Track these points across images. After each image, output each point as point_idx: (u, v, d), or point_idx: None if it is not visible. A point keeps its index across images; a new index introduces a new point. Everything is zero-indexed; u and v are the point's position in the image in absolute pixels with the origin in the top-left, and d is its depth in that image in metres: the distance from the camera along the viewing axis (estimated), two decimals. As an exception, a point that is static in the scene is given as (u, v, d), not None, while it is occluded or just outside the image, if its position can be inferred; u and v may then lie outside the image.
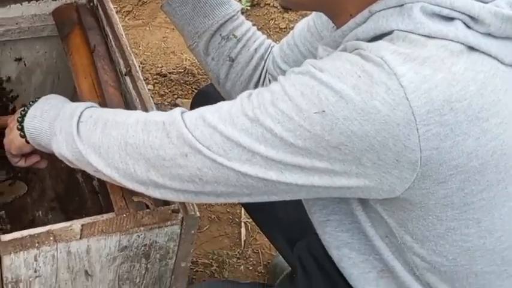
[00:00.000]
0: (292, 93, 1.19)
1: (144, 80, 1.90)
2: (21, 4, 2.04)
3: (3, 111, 2.27)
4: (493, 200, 1.25)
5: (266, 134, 1.21)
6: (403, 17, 1.18)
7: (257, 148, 1.22)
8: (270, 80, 1.72)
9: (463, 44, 1.17)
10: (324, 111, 1.15)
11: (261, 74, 1.73)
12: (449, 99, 1.14)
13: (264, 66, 1.73)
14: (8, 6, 2.02)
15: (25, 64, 2.23)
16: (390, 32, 1.20)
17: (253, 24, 1.76)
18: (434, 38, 1.17)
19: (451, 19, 1.18)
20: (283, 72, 1.67)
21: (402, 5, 1.20)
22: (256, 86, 1.74)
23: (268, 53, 1.73)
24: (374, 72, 1.14)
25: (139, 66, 1.91)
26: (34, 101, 1.61)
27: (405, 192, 1.21)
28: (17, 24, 2.06)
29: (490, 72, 1.18)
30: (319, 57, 1.35)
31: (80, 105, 1.53)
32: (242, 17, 1.73)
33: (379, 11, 1.22)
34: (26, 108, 1.60)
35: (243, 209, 2.41)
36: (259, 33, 1.75)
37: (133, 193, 1.59)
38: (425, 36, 1.17)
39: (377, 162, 1.17)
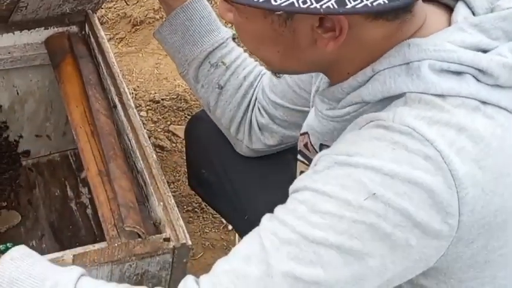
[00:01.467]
0: (331, 190, 1.12)
1: (137, 107, 1.90)
2: (14, 33, 2.04)
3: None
4: (509, 254, 1.23)
5: (320, 250, 1.12)
6: (412, 77, 1.15)
7: (315, 275, 1.13)
8: (259, 109, 1.71)
9: (476, 99, 1.15)
10: (374, 193, 1.09)
11: (249, 102, 1.72)
12: (476, 158, 1.11)
13: (253, 94, 1.72)
14: (1, 35, 2.03)
15: (18, 93, 2.23)
16: (401, 95, 1.16)
17: (245, 51, 1.76)
18: (448, 96, 1.14)
19: (460, 73, 1.15)
20: (271, 102, 1.67)
21: (408, 63, 1.16)
22: (245, 113, 1.73)
23: (258, 80, 1.72)
24: (406, 141, 1.11)
25: (132, 93, 1.92)
26: (3, 250, 1.44)
27: (437, 261, 1.18)
28: (9, 53, 2.07)
29: (505, 125, 1.16)
30: (318, 110, 1.31)
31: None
32: (232, 44, 1.73)
33: (383, 69, 1.18)
34: None
35: (237, 236, 2.39)
36: (250, 60, 1.75)
37: (125, 222, 1.59)
38: (438, 96, 1.14)
39: (421, 237, 1.12)
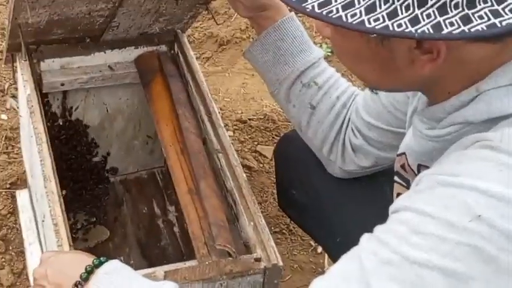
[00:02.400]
0: (434, 211, 1.08)
1: (224, 127, 1.90)
2: (105, 52, 2.08)
3: (84, 158, 2.30)
4: None
5: (422, 272, 1.08)
6: None
7: None
8: (352, 130, 1.70)
9: None
10: (479, 215, 1.06)
11: (343, 122, 1.71)
12: None
13: (346, 114, 1.71)
14: (92, 54, 2.06)
15: (107, 111, 2.26)
16: (507, 115, 1.13)
17: (337, 71, 1.75)
18: None
19: None
20: (365, 123, 1.65)
21: None
22: (338, 134, 1.72)
23: (351, 101, 1.71)
24: None
25: (219, 113, 1.92)
26: (97, 264, 1.42)
27: None
28: (100, 71, 2.10)
29: None
30: (417, 130, 1.30)
31: None
32: (324, 64, 1.73)
33: (489, 90, 1.15)
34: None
35: (326, 259, 2.37)
36: (343, 80, 1.74)
37: (216, 240, 1.59)
38: None
39: None
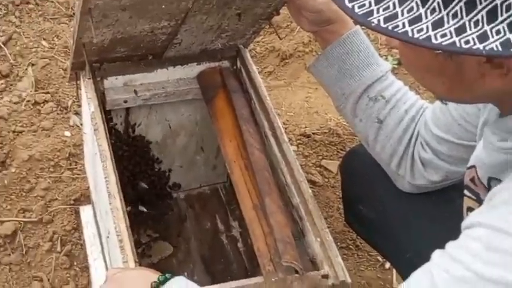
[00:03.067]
0: (509, 227, 1.08)
1: (288, 141, 1.89)
2: (167, 69, 2.09)
3: (147, 174, 2.31)
4: None
5: None
6: None
7: None
8: (422, 144, 1.67)
9: None
10: None
11: (411, 136, 1.69)
12: None
13: (415, 128, 1.68)
14: (155, 71, 2.08)
15: (170, 127, 2.27)
16: None
17: (405, 84, 1.73)
18: None
19: None
20: (435, 137, 1.62)
21: None
22: (407, 148, 1.69)
23: (420, 114, 1.68)
24: None
25: (282, 127, 1.92)
26: (162, 281, 1.43)
27: None
28: (163, 88, 2.11)
29: None
30: (488, 142, 1.28)
31: None
32: (392, 77, 1.71)
33: None
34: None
35: (395, 275, 2.34)
36: (411, 93, 1.71)
37: (282, 256, 1.58)
38: None
39: None
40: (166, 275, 1.42)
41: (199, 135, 2.33)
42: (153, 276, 1.43)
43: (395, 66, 2.99)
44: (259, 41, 3.19)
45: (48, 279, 2.30)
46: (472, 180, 1.38)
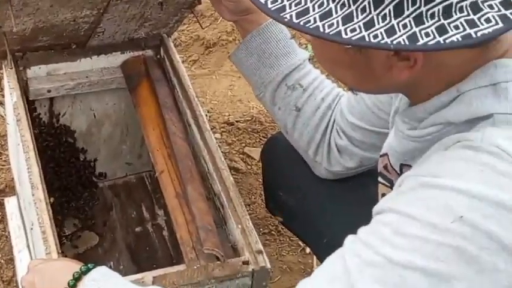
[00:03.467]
0: (416, 213, 1.09)
1: (212, 129, 1.91)
2: (91, 58, 2.08)
3: (72, 164, 2.31)
4: None
5: (405, 273, 1.09)
6: (500, 99, 1.14)
7: None
8: (337, 131, 1.70)
9: None
10: (461, 216, 1.07)
11: (328, 124, 1.72)
12: None
13: (331, 116, 1.71)
14: (78, 60, 2.07)
15: (95, 116, 2.26)
16: (488, 116, 1.14)
17: (321, 72, 1.76)
18: None
19: None
20: (350, 124, 1.66)
21: (495, 84, 1.15)
22: (323, 135, 1.72)
23: (336, 102, 1.72)
24: (495, 162, 1.09)
25: (206, 115, 1.93)
26: (85, 271, 1.42)
27: None
28: (87, 77, 2.10)
29: None
30: (399, 130, 1.31)
31: None
32: (309, 66, 1.73)
33: (469, 90, 1.16)
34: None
35: (315, 259, 2.37)
36: (328, 81, 1.74)
37: (204, 244, 1.60)
38: None
39: (509, 261, 1.09)
40: (89, 265, 1.42)
41: (124, 124, 2.32)
42: (76, 266, 1.42)
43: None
44: (184, 29, 3.18)
45: (-27, 271, 2.28)
46: (385, 167, 1.42)
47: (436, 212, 1.09)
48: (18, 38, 1.87)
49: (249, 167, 2.67)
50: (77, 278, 1.38)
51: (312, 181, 1.80)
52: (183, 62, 2.92)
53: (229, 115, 2.85)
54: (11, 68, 1.94)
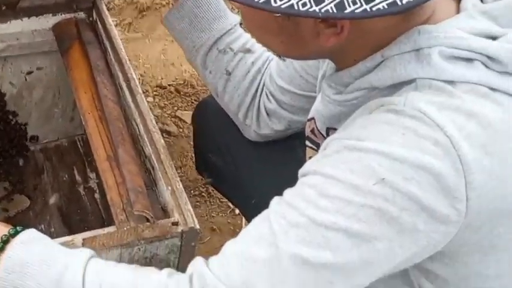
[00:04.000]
0: (340, 175, 1.12)
1: (144, 92, 1.91)
2: (22, 20, 2.05)
3: (2, 127, 2.28)
4: None
5: (329, 234, 1.12)
6: (422, 64, 1.16)
7: (323, 258, 1.14)
8: (267, 94, 1.72)
9: (485, 86, 1.15)
10: (383, 178, 1.10)
11: (258, 87, 1.74)
12: (484, 143, 1.12)
13: (261, 79, 1.73)
14: (8, 22, 2.04)
15: (26, 79, 2.24)
16: (411, 81, 1.17)
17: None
18: (458, 82, 1.15)
19: (469, 60, 1.16)
20: (279, 87, 1.68)
21: (418, 49, 1.17)
22: (253, 98, 1.74)
23: (265, 66, 1.73)
24: (416, 126, 1.11)
25: (139, 79, 1.93)
26: (13, 234, 1.38)
27: (444, 246, 1.18)
28: (17, 39, 2.08)
29: None
30: (325, 95, 1.33)
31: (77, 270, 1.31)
32: (240, 30, 1.74)
33: (393, 55, 1.18)
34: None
35: (244, 220, 2.41)
36: (258, 45, 1.75)
37: (134, 206, 1.60)
38: (449, 82, 1.15)
39: (428, 222, 1.13)
40: (17, 228, 1.40)
41: (56, 87, 2.30)
42: (4, 229, 1.39)
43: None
44: (118, -7, 3.17)
45: None
46: (312, 131, 1.44)
47: (358, 174, 1.12)
48: None
49: (180, 130, 2.69)
50: (5, 241, 1.35)
51: (241, 144, 1.82)
52: (116, 25, 2.90)
53: (162, 79, 2.85)
54: None
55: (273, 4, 1.08)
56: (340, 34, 1.16)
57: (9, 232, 1.38)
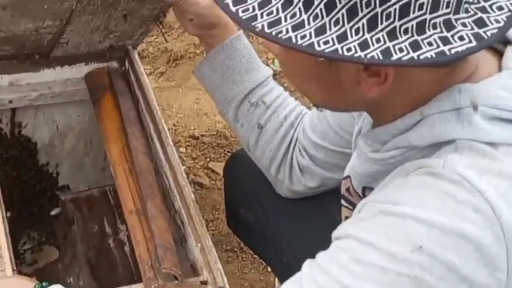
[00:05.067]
0: (375, 241, 1.08)
1: (177, 143, 1.89)
2: (54, 69, 2.06)
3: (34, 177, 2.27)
4: None
5: None
6: (463, 124, 1.11)
7: None
8: (300, 150, 1.68)
9: None
10: (420, 246, 1.05)
11: (290, 142, 1.70)
12: None
13: (294, 134, 1.69)
14: (41, 70, 2.04)
15: (58, 128, 2.23)
16: (451, 141, 1.12)
17: (285, 88, 1.74)
18: (499, 144, 1.11)
19: (511, 121, 1.12)
20: (312, 143, 1.64)
21: (459, 109, 1.12)
22: (285, 153, 1.70)
23: (299, 120, 1.69)
24: (456, 191, 1.07)
25: (171, 129, 1.91)
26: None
27: None
28: (50, 88, 2.08)
29: None
30: (361, 152, 1.28)
31: None
32: (273, 83, 1.71)
33: (433, 114, 1.14)
34: None
35: (276, 278, 2.36)
36: (291, 99, 1.72)
37: (162, 263, 1.58)
38: (490, 144, 1.10)
39: None
40: (43, 283, 1.38)
41: (87, 136, 2.30)
42: (30, 284, 1.39)
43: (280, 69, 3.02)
44: (152, 41, 3.17)
45: None
46: (348, 190, 1.40)
47: (394, 241, 1.07)
48: (-20, 48, 1.84)
49: (213, 182, 2.65)
50: None
51: (274, 199, 1.78)
52: (149, 74, 2.90)
53: (195, 129, 2.83)
54: (-28, 78, 1.91)
55: (317, 48, 1.03)
56: (383, 84, 1.12)
57: (35, 287, 1.35)
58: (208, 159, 2.73)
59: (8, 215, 1.70)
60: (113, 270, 2.22)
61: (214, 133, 2.81)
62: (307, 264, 1.17)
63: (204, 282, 1.56)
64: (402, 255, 1.06)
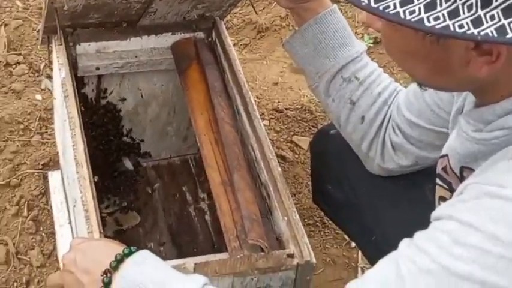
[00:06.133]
0: (479, 223, 1.05)
1: (260, 115, 1.88)
2: (141, 37, 2.06)
3: (117, 143, 2.29)
4: None
5: (463, 284, 1.05)
6: None
7: None
8: (393, 128, 1.66)
9: None
10: None
11: (383, 119, 1.67)
12: None
13: (387, 111, 1.67)
14: (128, 39, 2.05)
15: (142, 96, 2.25)
16: None
17: (378, 64, 1.71)
18: None
19: None
20: (407, 121, 1.61)
21: None
22: (378, 131, 1.68)
23: (393, 98, 1.67)
24: None
25: (255, 101, 1.89)
26: (127, 253, 1.39)
27: None
28: (136, 57, 2.09)
29: None
30: (462, 131, 1.26)
31: None
32: (366, 59, 1.69)
33: None
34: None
35: (360, 254, 2.34)
36: (385, 75, 1.70)
37: (248, 234, 1.57)
38: None
39: None
40: (132, 248, 1.40)
41: (171, 105, 2.30)
42: (118, 248, 1.41)
43: (371, 45, 2.98)
44: (237, 12, 3.14)
45: (14, 244, 2.28)
46: (444, 169, 1.37)
47: (499, 224, 1.04)
48: (69, 14, 1.85)
49: (296, 156, 2.64)
50: (120, 260, 1.36)
51: (362, 176, 1.76)
52: (233, 45, 2.88)
53: (279, 102, 2.81)
54: (61, 44, 1.92)
55: (426, 23, 1.00)
56: (495, 63, 1.08)
57: (123, 251, 1.38)
58: (292, 133, 2.71)
59: (95, 180, 1.72)
60: (194, 238, 2.23)
61: (299, 107, 2.78)
62: (405, 243, 1.16)
63: (291, 255, 1.55)
64: (506, 238, 1.03)
